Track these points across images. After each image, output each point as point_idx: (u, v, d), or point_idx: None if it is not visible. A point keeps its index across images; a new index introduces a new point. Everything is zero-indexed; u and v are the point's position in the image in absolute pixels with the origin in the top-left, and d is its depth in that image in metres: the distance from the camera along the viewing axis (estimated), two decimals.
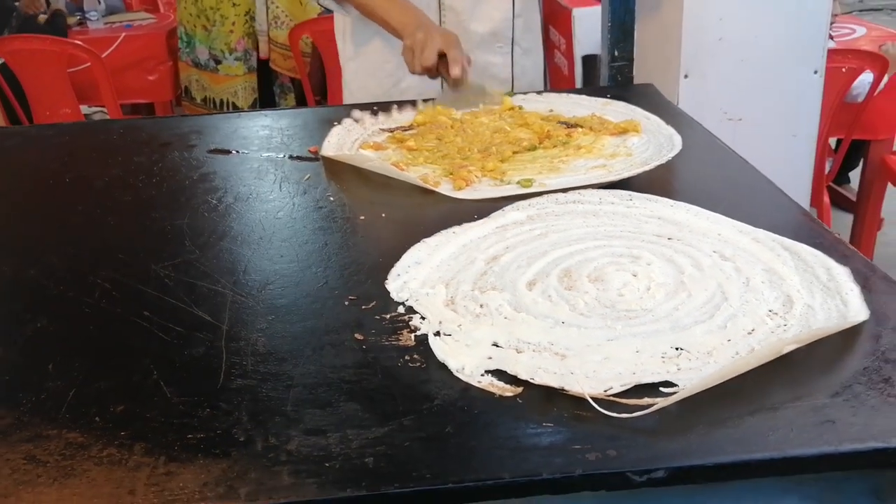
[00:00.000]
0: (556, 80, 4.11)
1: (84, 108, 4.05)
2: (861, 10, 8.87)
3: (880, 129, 3.32)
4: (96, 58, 3.77)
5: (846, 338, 0.78)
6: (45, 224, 1.16)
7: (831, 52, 3.17)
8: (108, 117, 4.04)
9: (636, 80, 2.19)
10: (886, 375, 0.72)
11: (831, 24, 2.34)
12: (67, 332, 0.87)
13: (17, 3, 4.12)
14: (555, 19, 3.93)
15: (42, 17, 4.25)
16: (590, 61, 3.56)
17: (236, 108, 3.90)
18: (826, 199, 3.27)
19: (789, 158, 2.09)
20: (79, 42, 3.90)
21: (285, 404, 0.72)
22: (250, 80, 3.95)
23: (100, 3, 4.53)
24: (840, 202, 3.98)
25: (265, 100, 4.07)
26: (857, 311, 0.80)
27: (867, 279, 0.86)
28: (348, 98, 1.87)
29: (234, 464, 0.66)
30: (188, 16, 3.87)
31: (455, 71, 1.52)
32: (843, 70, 3.04)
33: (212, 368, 0.78)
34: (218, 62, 3.89)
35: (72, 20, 4.47)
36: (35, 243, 1.09)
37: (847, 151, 3.42)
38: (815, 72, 2.02)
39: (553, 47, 4.01)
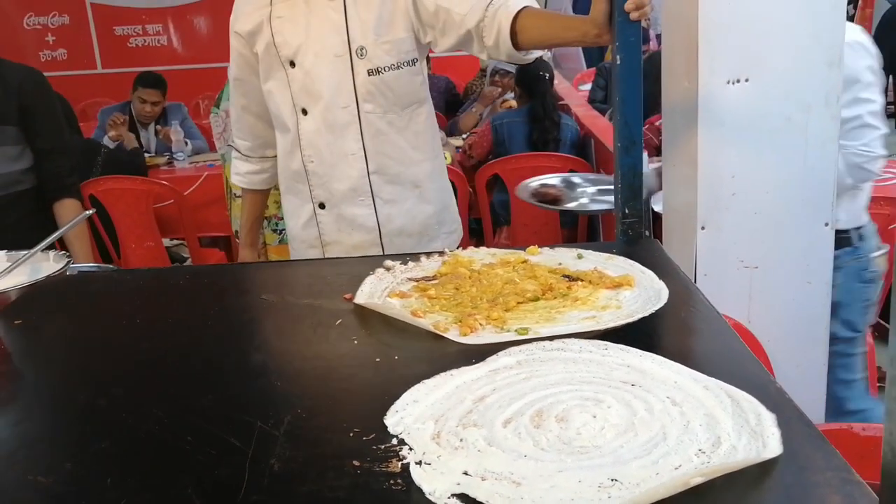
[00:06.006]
0: (607, 220, 4.33)
1: (165, 241, 4.38)
2: None
3: None
4: (180, 196, 4.12)
5: (761, 474, 0.92)
6: (117, 360, 1.38)
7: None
8: (187, 250, 4.37)
9: (664, 230, 2.39)
10: None
11: None
12: (124, 452, 1.07)
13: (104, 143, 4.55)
14: (605, 164, 4.20)
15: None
16: None
17: None
18: (870, 339, 3.34)
19: (805, 305, 2.23)
20: (164, 182, 4.26)
21: None
22: None
23: (186, 144, 4.95)
24: None
25: None
26: (771, 450, 0.95)
27: (791, 424, 1.01)
28: None
29: None
30: None
31: None
32: None
33: (236, 486, 0.96)
34: None
35: (161, 160, 4.89)
36: (107, 376, 1.31)
37: None
38: (826, 224, 2.17)
39: None
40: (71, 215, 2.76)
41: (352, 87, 2.11)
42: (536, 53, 2.03)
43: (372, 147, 2.16)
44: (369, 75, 2.11)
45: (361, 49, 2.09)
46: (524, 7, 1.93)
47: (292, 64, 2.12)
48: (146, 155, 4.93)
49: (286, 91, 2.16)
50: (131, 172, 4.34)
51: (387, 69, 2.11)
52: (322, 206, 2.23)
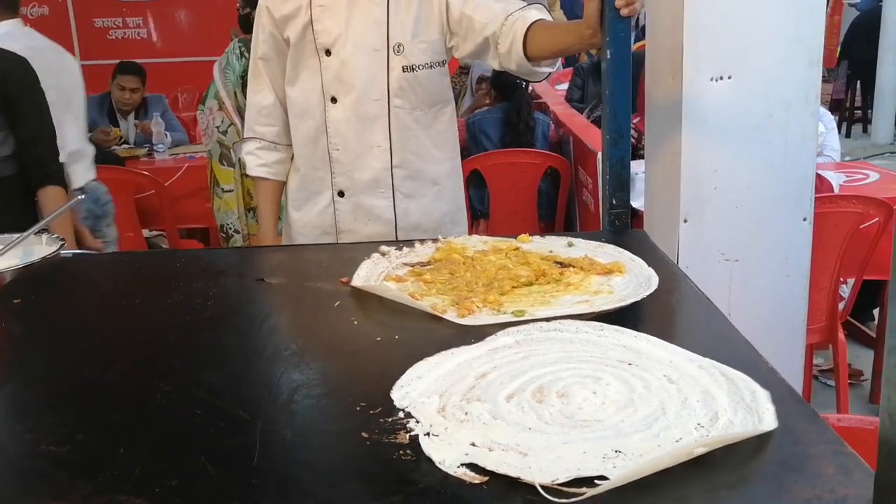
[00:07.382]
0: (583, 215, 4.39)
1: (145, 232, 4.38)
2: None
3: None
4: (161, 186, 4.11)
5: (759, 446, 0.96)
6: (119, 337, 1.40)
7: (838, 197, 3.39)
8: (167, 241, 4.37)
9: (646, 224, 2.44)
10: (780, 478, 0.90)
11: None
12: (134, 424, 1.09)
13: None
14: (583, 161, 4.25)
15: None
16: None
17: None
18: (842, 335, 3.41)
19: (784, 297, 2.28)
20: (146, 172, 4.26)
21: (302, 483, 0.93)
22: None
23: (167, 136, 4.94)
24: (863, 339, 4.11)
25: None
26: (767, 424, 0.98)
27: (784, 401, 1.05)
28: None
29: None
30: None
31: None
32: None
33: (248, 454, 0.98)
34: None
35: (140, 151, 4.88)
36: (111, 353, 1.33)
37: (870, 290, 3.59)
38: (804, 219, 2.23)
39: (581, 186, 4.30)
40: (55, 202, 2.76)
41: (385, 82, 2.18)
42: (546, 69, 2.10)
43: (398, 141, 2.22)
44: (404, 71, 2.18)
45: (399, 46, 2.16)
46: (539, 19, 2.01)
47: (328, 52, 2.17)
48: (125, 146, 4.92)
49: (316, 78, 2.20)
50: (112, 163, 4.33)
51: (420, 67, 2.19)
52: (341, 194, 2.27)
